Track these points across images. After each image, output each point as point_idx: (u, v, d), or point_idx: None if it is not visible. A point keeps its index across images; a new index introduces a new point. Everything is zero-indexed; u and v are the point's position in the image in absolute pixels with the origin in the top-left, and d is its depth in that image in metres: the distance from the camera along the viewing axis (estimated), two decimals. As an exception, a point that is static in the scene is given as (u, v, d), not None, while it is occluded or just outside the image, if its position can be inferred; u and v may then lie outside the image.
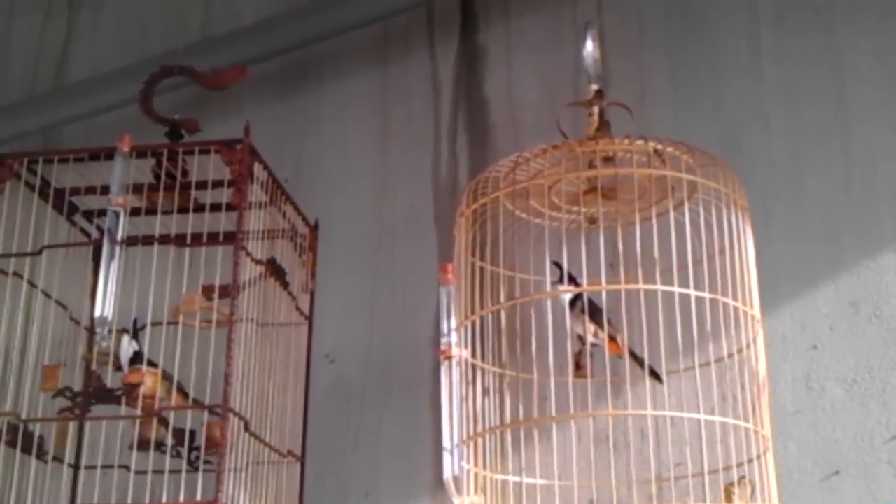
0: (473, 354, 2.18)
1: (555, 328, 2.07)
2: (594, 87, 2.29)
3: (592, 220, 2.28)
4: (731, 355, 2.15)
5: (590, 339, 2.20)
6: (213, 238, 2.35)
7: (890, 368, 2.42)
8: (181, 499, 2.17)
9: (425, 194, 2.92)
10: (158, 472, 2.20)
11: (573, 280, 2.18)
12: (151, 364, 2.29)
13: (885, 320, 2.46)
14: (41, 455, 2.32)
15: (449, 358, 2.14)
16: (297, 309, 2.61)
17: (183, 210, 2.38)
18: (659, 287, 2.03)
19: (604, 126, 2.25)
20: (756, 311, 2.15)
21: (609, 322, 2.17)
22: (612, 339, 2.20)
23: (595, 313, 2.20)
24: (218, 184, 2.39)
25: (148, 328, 2.33)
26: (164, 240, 2.37)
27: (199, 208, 2.44)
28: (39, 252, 2.35)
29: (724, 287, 2.09)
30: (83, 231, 2.59)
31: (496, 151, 2.82)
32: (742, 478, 2.08)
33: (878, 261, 2.51)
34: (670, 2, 2.90)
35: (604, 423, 2.23)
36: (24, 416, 2.28)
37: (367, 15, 2.99)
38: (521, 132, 2.87)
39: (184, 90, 2.74)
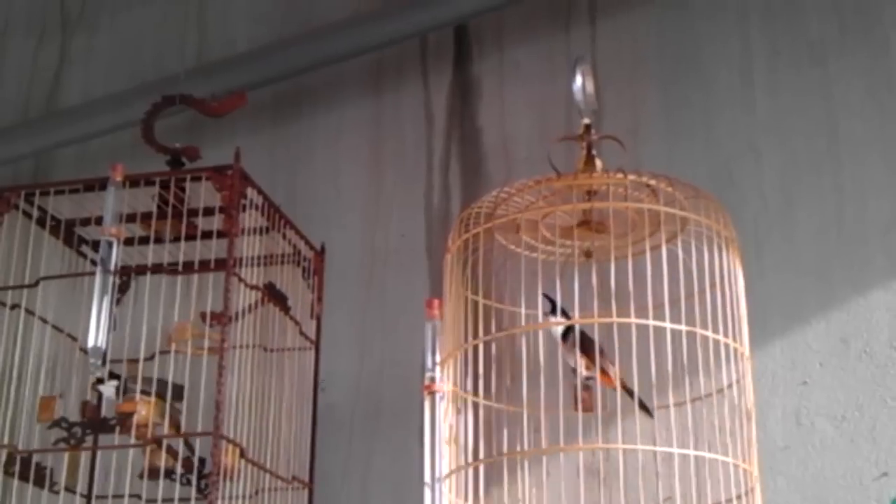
0: (464, 387, 2.18)
1: (546, 361, 2.07)
2: (584, 121, 2.29)
3: (588, 254, 2.28)
4: (720, 391, 2.15)
5: (581, 371, 2.20)
6: (205, 265, 2.35)
7: (879, 405, 2.43)
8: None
9: (418, 224, 2.93)
10: (168, 500, 2.22)
11: (564, 313, 2.18)
12: (145, 392, 2.29)
13: (875, 357, 2.47)
14: (52, 486, 2.32)
15: (432, 393, 2.15)
16: (302, 333, 2.61)
17: (177, 238, 2.38)
18: (649, 322, 2.02)
19: (590, 160, 2.26)
20: (745, 347, 2.16)
21: (602, 354, 2.17)
22: (603, 372, 2.20)
23: (587, 346, 2.20)
24: (212, 211, 2.39)
25: (141, 358, 2.32)
26: (158, 268, 2.37)
27: (192, 236, 2.44)
28: (36, 284, 2.36)
29: (714, 322, 2.09)
30: (93, 262, 2.58)
31: (489, 182, 2.83)
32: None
33: (868, 297, 2.51)
34: (664, 35, 2.91)
35: (593, 458, 2.24)
36: (20, 448, 2.28)
37: (361, 45, 3.01)
38: (514, 163, 2.89)
39: (178, 116, 2.75)
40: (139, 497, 2.27)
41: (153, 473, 2.26)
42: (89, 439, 2.35)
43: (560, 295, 2.13)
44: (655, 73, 2.89)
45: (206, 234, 2.41)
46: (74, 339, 2.45)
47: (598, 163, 2.26)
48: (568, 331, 2.20)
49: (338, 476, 2.72)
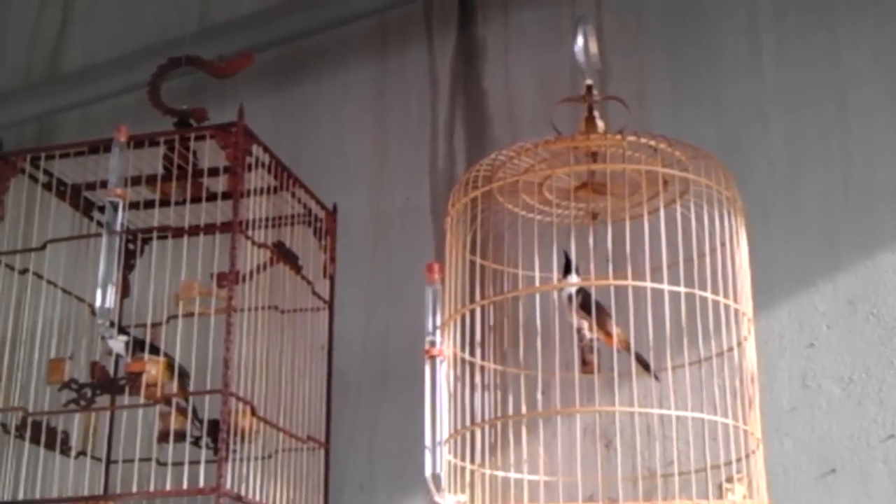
0: (465, 350, 2.18)
1: (548, 324, 2.07)
2: (587, 82, 2.29)
3: (595, 216, 2.28)
4: (721, 353, 2.15)
5: (585, 333, 2.20)
6: (212, 226, 2.35)
7: (886, 367, 2.43)
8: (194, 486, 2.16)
9: (422, 187, 2.92)
10: (178, 463, 2.21)
11: (577, 272, 2.19)
12: (154, 351, 2.29)
13: (883, 319, 2.47)
14: (65, 450, 2.33)
15: (433, 357, 2.15)
16: (315, 293, 2.60)
17: (185, 201, 2.37)
18: (649, 284, 2.03)
19: (591, 122, 2.25)
20: (748, 308, 2.16)
21: (607, 316, 2.17)
22: (608, 334, 2.20)
23: (591, 308, 2.20)
24: (219, 171, 2.39)
25: (149, 319, 2.32)
26: (165, 231, 2.37)
27: (197, 198, 2.42)
28: (43, 247, 2.36)
29: (716, 284, 2.09)
30: (100, 224, 2.57)
31: (493, 145, 2.82)
32: (739, 475, 2.08)
33: (875, 260, 2.51)
34: (669, 1, 2.89)
35: (596, 420, 2.24)
36: (30, 410, 2.28)
37: (365, 8, 3.00)
38: (519, 126, 2.88)
39: (181, 80, 2.73)
40: (148, 460, 2.27)
41: (165, 436, 2.26)
42: (99, 400, 2.36)
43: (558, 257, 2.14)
44: (661, 39, 2.87)
45: (214, 195, 2.40)
46: (82, 300, 2.44)
47: (600, 124, 2.26)
48: (578, 292, 2.20)
49: (345, 439, 2.72)
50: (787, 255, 2.56)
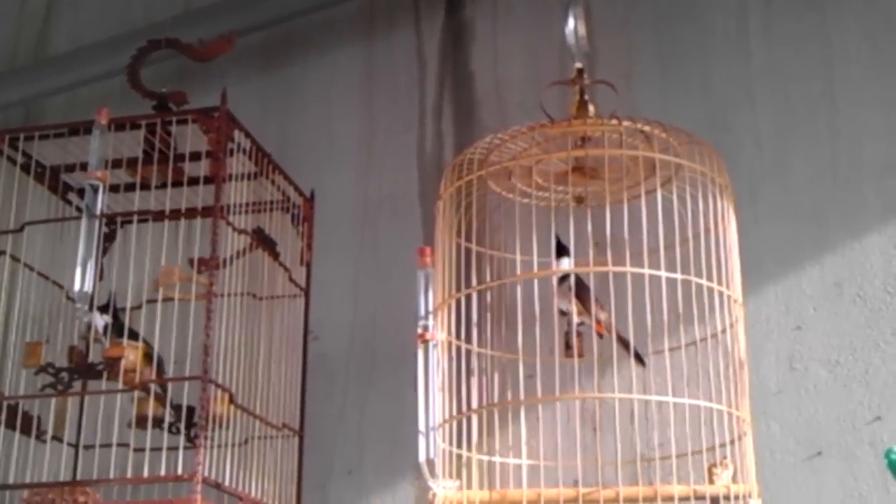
0: (457, 335, 2.17)
1: (541, 308, 2.06)
2: (577, 65, 2.27)
3: (580, 200, 2.27)
4: (712, 336, 2.14)
5: (574, 317, 2.19)
6: (193, 211, 2.33)
7: (873, 349, 2.42)
8: (170, 473, 2.14)
9: (410, 171, 2.91)
10: (156, 449, 2.18)
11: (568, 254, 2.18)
12: (133, 337, 2.27)
13: (869, 301, 2.46)
14: (39, 435, 2.31)
15: (426, 342, 2.13)
16: (292, 280, 2.58)
17: (164, 184, 2.35)
18: (636, 269, 2.01)
19: (583, 105, 2.24)
20: (738, 293, 2.14)
21: (595, 300, 2.16)
22: (596, 319, 2.19)
23: (581, 292, 2.19)
24: (200, 156, 2.37)
25: (128, 303, 2.31)
26: (145, 215, 2.35)
27: (178, 182, 2.41)
28: (21, 229, 2.34)
29: (707, 269, 2.08)
30: (78, 209, 2.55)
31: (481, 128, 2.81)
32: (724, 458, 2.07)
33: (862, 241, 2.50)
34: (658, -20, 2.88)
35: (588, 404, 2.23)
36: (6, 394, 2.27)
37: (352, -12, 2.98)
38: (507, 109, 2.86)
39: (167, 63, 2.72)
40: (127, 446, 2.24)
41: (142, 422, 2.25)
42: (76, 385, 2.35)
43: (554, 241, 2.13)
44: (650, 20, 2.86)
45: (194, 180, 2.38)
46: (61, 286, 2.43)
47: (591, 108, 2.24)
48: (564, 276, 2.19)
49: (333, 423, 2.72)
50: (774, 236, 2.55)
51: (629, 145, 2.15)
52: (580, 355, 2.15)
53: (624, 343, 2.12)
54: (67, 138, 2.36)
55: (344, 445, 2.73)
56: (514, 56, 2.93)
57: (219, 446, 2.21)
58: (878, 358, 2.41)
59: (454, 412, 2.11)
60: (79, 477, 2.38)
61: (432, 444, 2.08)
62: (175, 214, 2.31)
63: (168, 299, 2.24)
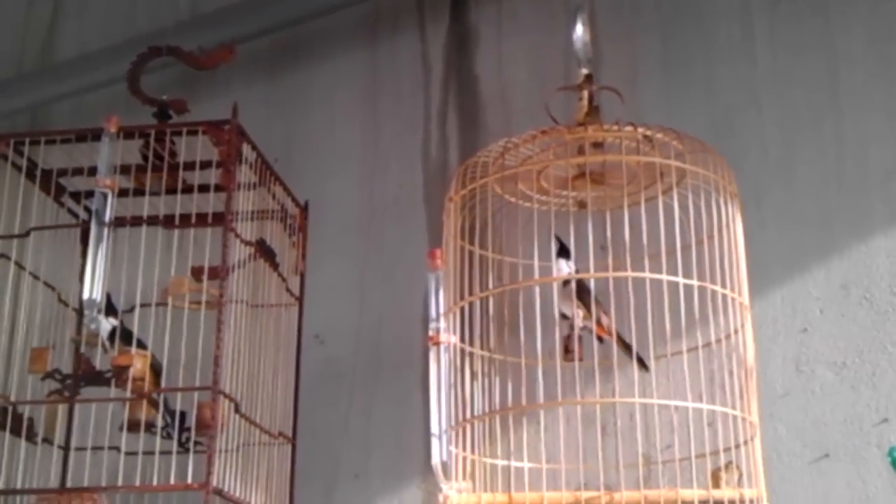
0: (463, 339, 2.17)
1: (544, 312, 2.06)
2: (584, 71, 2.27)
3: (582, 205, 2.27)
4: (718, 341, 2.14)
5: (578, 321, 2.19)
6: (201, 219, 2.34)
7: (880, 351, 2.42)
8: (172, 481, 2.15)
9: (415, 175, 2.91)
10: (149, 453, 2.18)
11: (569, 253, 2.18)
12: (141, 346, 2.28)
13: (876, 303, 2.46)
14: (31, 437, 2.31)
15: (437, 344, 2.13)
16: (287, 290, 2.59)
17: (171, 191, 2.36)
18: (647, 275, 2.02)
19: (593, 111, 2.24)
20: (745, 297, 2.14)
21: (598, 304, 2.16)
22: (598, 322, 2.19)
23: (584, 296, 2.19)
24: (206, 164, 2.37)
25: (137, 310, 2.31)
26: (153, 221, 2.35)
27: (188, 189, 2.42)
28: (27, 234, 2.34)
29: (713, 273, 2.08)
30: (71, 213, 2.56)
31: (486, 132, 2.82)
32: (729, 463, 2.07)
33: (868, 244, 2.50)
34: (662, -15, 2.88)
35: (592, 408, 2.23)
36: (12, 399, 2.27)
37: (356, -7, 2.98)
38: (512, 114, 2.87)
39: (172, 70, 2.72)
40: (118, 450, 2.25)
41: (133, 427, 2.24)
42: (83, 392, 2.34)
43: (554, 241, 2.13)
44: (654, 25, 2.86)
45: (201, 189, 2.39)
46: (66, 303, 2.44)
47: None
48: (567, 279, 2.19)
49: (340, 427, 2.72)
50: (780, 240, 2.55)
51: (635, 150, 2.15)
52: (580, 359, 2.14)
53: (626, 347, 2.12)
54: (73, 144, 2.36)
55: (350, 449, 2.72)
56: (519, 60, 2.93)
57: (220, 452, 2.21)
58: (884, 360, 2.41)
59: (468, 417, 2.11)
60: (69, 482, 2.38)
61: (444, 446, 2.08)
62: (185, 222, 2.31)
63: (161, 304, 2.25)
